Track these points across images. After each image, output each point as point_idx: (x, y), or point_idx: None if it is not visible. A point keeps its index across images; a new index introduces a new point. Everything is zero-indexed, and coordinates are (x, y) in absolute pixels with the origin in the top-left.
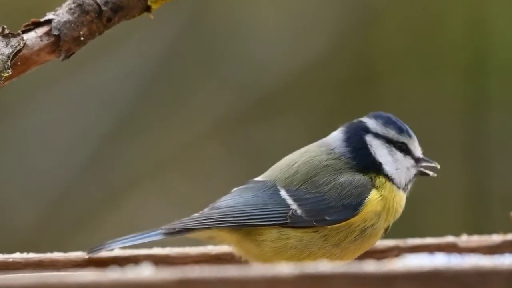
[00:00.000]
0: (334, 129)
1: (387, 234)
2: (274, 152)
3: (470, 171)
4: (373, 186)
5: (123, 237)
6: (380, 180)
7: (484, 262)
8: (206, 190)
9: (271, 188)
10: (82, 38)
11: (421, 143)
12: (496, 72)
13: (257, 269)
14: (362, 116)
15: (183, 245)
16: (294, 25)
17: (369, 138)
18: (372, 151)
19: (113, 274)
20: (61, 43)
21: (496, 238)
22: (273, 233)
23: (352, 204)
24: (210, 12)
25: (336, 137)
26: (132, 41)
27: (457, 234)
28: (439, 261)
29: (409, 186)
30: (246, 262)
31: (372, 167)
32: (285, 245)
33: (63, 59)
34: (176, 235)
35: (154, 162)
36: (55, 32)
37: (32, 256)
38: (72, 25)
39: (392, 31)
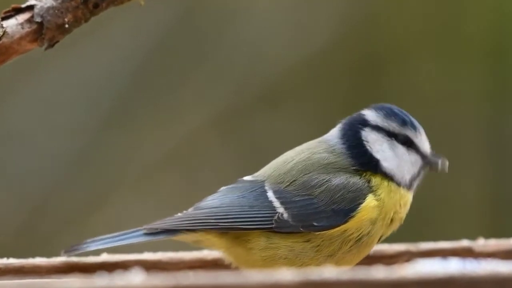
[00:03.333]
0: (336, 122)
1: (397, 238)
2: (273, 146)
3: (488, 170)
4: (370, 190)
5: (101, 237)
6: (376, 180)
7: (502, 268)
8: (202, 188)
9: (259, 189)
10: (66, 26)
11: (434, 138)
12: None
13: (257, 276)
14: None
15: (176, 250)
16: (296, 13)
17: (365, 133)
18: (368, 147)
19: (101, 281)
20: (44, 31)
21: None
22: (261, 241)
23: (343, 210)
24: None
25: (333, 133)
26: (124, 30)
27: (473, 237)
28: (454, 267)
29: (415, 183)
30: (237, 269)
31: (369, 165)
32: (274, 255)
33: (46, 48)
34: (158, 236)
35: (145, 160)
36: (38, 19)
37: (13, 261)
38: (56, 11)
39: (403, 17)
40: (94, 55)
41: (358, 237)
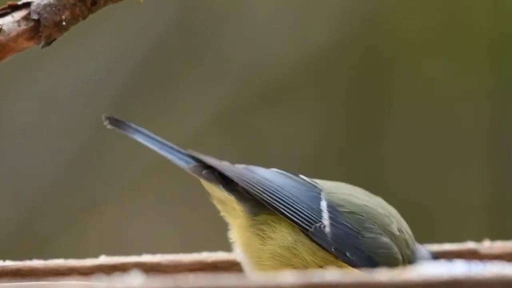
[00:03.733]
0: (339, 120)
1: None
2: (275, 146)
3: (493, 170)
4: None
5: (151, 134)
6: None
7: (508, 270)
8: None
9: (314, 193)
10: (64, 23)
11: (436, 137)
12: None
13: (258, 278)
14: (370, 107)
15: (176, 252)
16: (297, 11)
17: None
18: None
19: (99, 283)
20: (41, 29)
21: None
22: (287, 239)
23: (376, 263)
24: None
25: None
26: (122, 28)
27: (478, 239)
28: (459, 269)
29: None
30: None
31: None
32: (287, 260)
33: (43, 46)
34: (198, 175)
35: (145, 160)
36: (35, 16)
37: (9, 264)
38: (53, 8)
39: (405, 16)
40: (92, 53)
41: None
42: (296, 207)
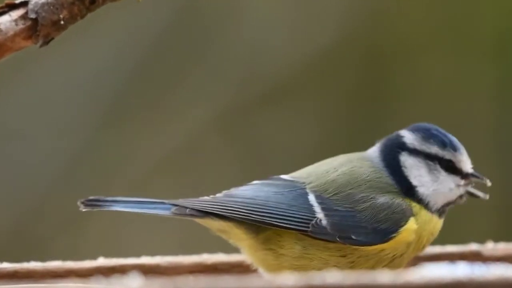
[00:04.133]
0: (340, 119)
1: None
2: (276, 145)
3: (497, 171)
4: (412, 213)
5: (126, 198)
6: (415, 206)
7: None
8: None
9: (299, 190)
10: (62, 22)
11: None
12: None
13: (259, 280)
14: (372, 106)
15: (175, 253)
16: (299, 9)
17: (403, 158)
18: (405, 172)
19: (98, 286)
20: (38, 28)
21: None
22: (296, 249)
23: (385, 230)
24: None
25: (374, 153)
26: (122, 27)
27: (481, 241)
28: (461, 271)
29: (447, 208)
30: (256, 271)
31: (408, 191)
32: (307, 266)
33: (41, 46)
34: (184, 216)
35: (144, 161)
36: (32, 15)
37: (7, 266)
38: (51, 7)
39: (410, 14)
40: (91, 52)
41: (393, 258)
42: (287, 214)
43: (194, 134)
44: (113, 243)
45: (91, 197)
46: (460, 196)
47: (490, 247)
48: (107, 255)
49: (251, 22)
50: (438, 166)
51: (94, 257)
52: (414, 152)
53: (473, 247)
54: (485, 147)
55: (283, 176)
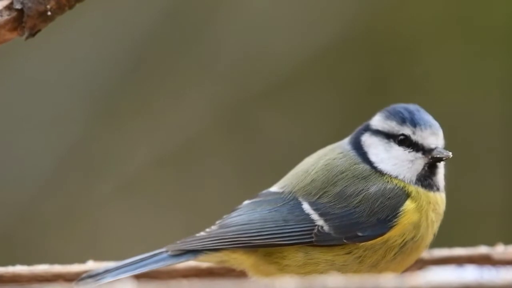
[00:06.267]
0: (343, 117)
1: None
2: (277, 144)
3: (508, 172)
4: (406, 194)
5: (117, 265)
6: (408, 186)
7: None
8: (203, 189)
9: (292, 201)
10: (49, 13)
11: (448, 134)
12: None
13: (255, 285)
14: (376, 103)
15: None
16: (302, 5)
17: (364, 138)
18: (366, 150)
19: None
20: (24, 19)
21: None
22: (299, 257)
23: (386, 218)
24: None
25: (346, 140)
26: (117, 18)
27: (491, 244)
28: (470, 275)
29: (431, 182)
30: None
31: (373, 168)
32: (314, 271)
33: (26, 38)
34: (181, 258)
35: (140, 160)
36: (18, 6)
37: None
38: None
39: (419, 7)
40: (83, 46)
41: (402, 243)
42: (287, 231)
43: (192, 131)
44: (103, 246)
45: (87, 275)
46: (429, 166)
47: (500, 250)
48: (96, 258)
49: (252, 17)
50: (392, 142)
51: (83, 260)
52: (375, 132)
53: (482, 250)
54: (496, 148)
55: (272, 189)
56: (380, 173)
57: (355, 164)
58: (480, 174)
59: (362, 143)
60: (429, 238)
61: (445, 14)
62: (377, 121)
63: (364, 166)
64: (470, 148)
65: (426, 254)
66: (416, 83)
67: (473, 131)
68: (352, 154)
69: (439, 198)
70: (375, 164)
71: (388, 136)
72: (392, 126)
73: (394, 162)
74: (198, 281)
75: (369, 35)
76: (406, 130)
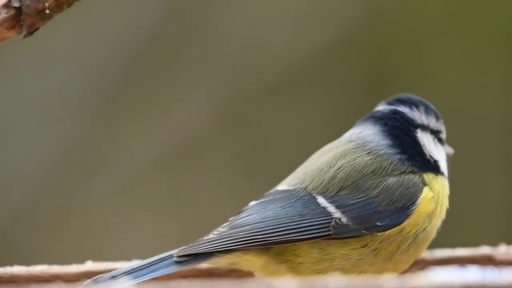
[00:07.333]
0: (345, 115)
1: None
2: (278, 142)
3: (510, 172)
4: (425, 184)
5: (124, 269)
6: (428, 176)
7: None
8: (202, 189)
9: (305, 196)
10: (47, 11)
11: (450, 135)
12: None
13: (256, 285)
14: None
15: None
16: (304, 3)
17: (420, 135)
18: (425, 150)
19: None
20: (22, 17)
21: None
22: (314, 253)
23: (403, 207)
24: None
25: (372, 133)
26: (117, 16)
27: (493, 244)
28: (472, 276)
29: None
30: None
31: (428, 167)
32: (329, 267)
33: (24, 36)
34: (190, 263)
35: (138, 160)
36: (16, 4)
37: None
38: None
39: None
40: (81, 44)
41: (415, 234)
42: (303, 225)
43: (191, 130)
44: (102, 246)
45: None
46: None
47: (503, 250)
48: (95, 258)
49: (254, 15)
50: (436, 140)
51: (81, 261)
52: (424, 128)
53: (484, 250)
54: (497, 148)
55: (280, 188)
56: (437, 170)
57: (388, 161)
58: (483, 174)
59: (421, 141)
60: (435, 229)
61: (445, 14)
62: (419, 116)
63: (399, 164)
64: (473, 147)
65: (428, 254)
66: (417, 82)
67: (475, 129)
68: (388, 151)
69: (447, 183)
70: (439, 163)
71: (432, 132)
72: (433, 122)
73: (444, 159)
74: (197, 281)
75: (370, 34)
76: (442, 128)
